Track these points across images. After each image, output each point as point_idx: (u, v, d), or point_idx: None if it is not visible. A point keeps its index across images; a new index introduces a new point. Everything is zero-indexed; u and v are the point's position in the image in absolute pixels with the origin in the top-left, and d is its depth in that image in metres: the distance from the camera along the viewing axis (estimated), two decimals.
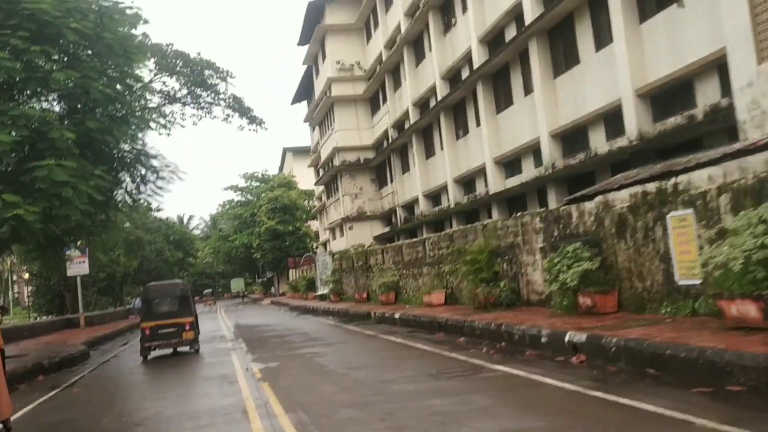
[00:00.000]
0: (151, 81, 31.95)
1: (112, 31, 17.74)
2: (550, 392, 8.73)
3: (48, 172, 14.40)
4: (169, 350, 19.16)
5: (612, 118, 19.65)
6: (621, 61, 17.88)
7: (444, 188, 33.81)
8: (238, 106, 33.68)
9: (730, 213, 10.37)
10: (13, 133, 15.01)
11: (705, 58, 15.18)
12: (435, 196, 36.17)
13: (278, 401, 9.70)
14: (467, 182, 31.64)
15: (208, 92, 34.53)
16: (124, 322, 41.31)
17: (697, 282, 11.36)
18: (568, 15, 21.24)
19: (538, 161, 24.08)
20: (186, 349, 18.96)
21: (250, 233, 76.70)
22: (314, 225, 73.28)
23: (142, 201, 22.29)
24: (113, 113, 18.56)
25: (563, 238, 15.61)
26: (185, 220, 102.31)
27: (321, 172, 57.65)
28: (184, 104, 35.05)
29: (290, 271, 70.50)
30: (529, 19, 22.74)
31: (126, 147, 19.94)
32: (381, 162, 45.70)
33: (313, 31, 49.02)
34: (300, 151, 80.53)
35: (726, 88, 14.93)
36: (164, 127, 33.30)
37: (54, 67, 16.51)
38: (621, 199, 13.35)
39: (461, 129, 31.56)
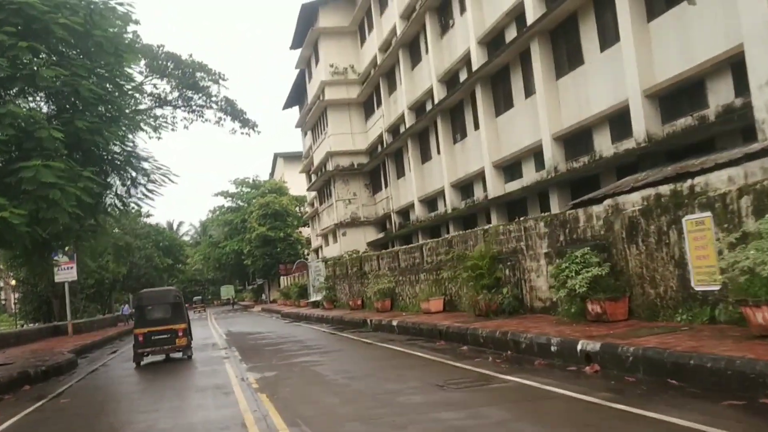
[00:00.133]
0: (142, 83, 31.38)
1: (103, 28, 17.18)
2: (569, 405, 8.23)
3: (35, 173, 13.78)
4: (162, 357, 19.05)
5: (618, 120, 19.18)
6: (628, 61, 17.42)
7: (440, 193, 33.30)
8: (230, 109, 33.21)
9: (752, 216, 9.91)
10: None
11: (718, 57, 14.73)
12: (431, 202, 35.64)
13: (278, 414, 9.13)
14: (465, 187, 31.14)
15: (200, 95, 34.02)
16: (112, 329, 40.58)
17: (716, 288, 10.89)
18: (571, 15, 20.79)
19: (540, 165, 23.60)
20: (179, 355, 18.91)
21: (241, 239, 76.09)
22: (305, 231, 72.76)
23: (132, 205, 21.63)
24: (103, 113, 17.97)
25: (570, 243, 15.15)
26: (175, 227, 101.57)
27: (313, 177, 57.08)
28: (175, 107, 34.52)
29: (281, 278, 69.89)
30: (530, 19, 22.28)
31: (116, 148, 19.32)
32: (375, 167, 45.18)
33: (306, 35, 48.51)
34: (291, 157, 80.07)
35: (740, 88, 14.51)
36: (155, 130, 32.76)
37: (42, 65, 15.92)
38: (632, 202, 12.88)
39: (459, 132, 31.07)
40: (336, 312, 32.70)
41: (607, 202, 13.73)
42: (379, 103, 43.13)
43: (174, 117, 33.90)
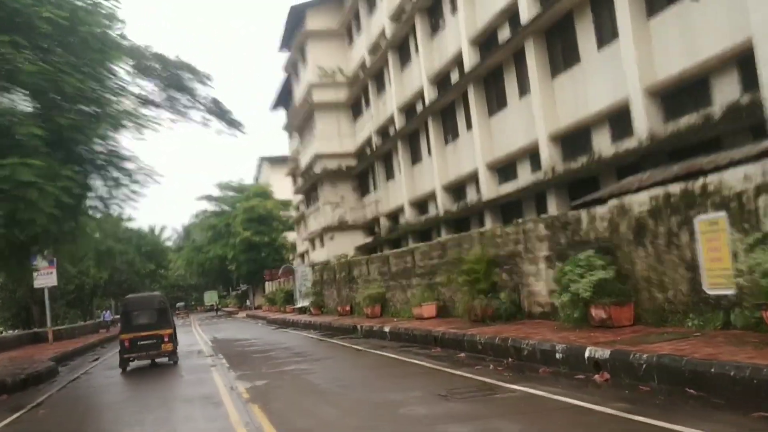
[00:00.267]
0: (128, 84, 30.62)
1: (88, 24, 16.57)
2: (584, 417, 7.68)
3: (11, 171, 13.12)
4: (147, 362, 19.09)
5: (618, 119, 18.72)
6: (628, 58, 16.95)
7: (431, 196, 32.77)
8: (216, 109, 32.44)
9: None
10: None
11: (723, 53, 14.30)
12: (422, 205, 35.11)
13: (273, 428, 8.52)
14: (457, 189, 30.62)
15: (186, 95, 33.25)
16: (94, 336, 39.69)
17: (730, 292, 10.41)
18: (567, 13, 20.36)
19: (536, 166, 23.12)
20: (165, 360, 18.91)
21: (225, 244, 75.22)
22: (291, 236, 72.06)
23: (115, 206, 20.93)
24: (86, 111, 17.32)
25: (572, 245, 14.65)
26: (157, 231, 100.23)
27: (300, 180, 56.43)
28: (160, 108, 33.73)
29: (266, 283, 69.10)
30: (525, 18, 21.83)
31: (99, 147, 18.66)
32: (363, 170, 44.62)
33: (294, 37, 48.01)
34: (277, 161, 79.32)
35: (747, 84, 14.08)
36: (139, 131, 32.01)
37: (24, 59, 15.26)
38: (639, 202, 12.38)
39: (450, 134, 30.57)
40: (324, 318, 32.12)
41: (612, 202, 13.24)
42: (367, 105, 42.64)
43: (159, 119, 33.12)
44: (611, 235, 13.28)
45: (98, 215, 21.54)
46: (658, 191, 11.96)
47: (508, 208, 25.09)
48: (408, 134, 35.43)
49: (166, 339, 18.51)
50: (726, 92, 14.75)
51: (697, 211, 10.92)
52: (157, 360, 19.10)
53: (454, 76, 29.02)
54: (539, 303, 16.16)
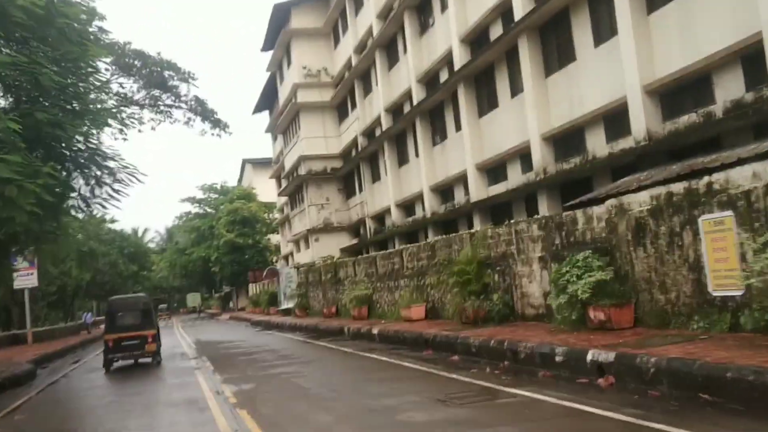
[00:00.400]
0: (108, 81, 30.07)
1: (66, 16, 16.03)
2: (596, 424, 7.30)
3: None
4: (131, 362, 19.29)
5: (613, 118, 18.39)
6: (627, 56, 16.61)
7: (419, 197, 32.37)
8: (200, 109, 31.98)
9: None
10: None
11: (727, 50, 13.99)
12: (408, 206, 34.70)
13: None
14: (445, 190, 30.24)
15: (168, 94, 32.75)
16: (75, 337, 38.88)
17: (738, 293, 10.05)
18: (562, 9, 20.01)
19: (526, 167, 22.77)
20: (148, 360, 19.06)
21: (208, 246, 74.82)
22: (274, 239, 71.66)
23: (97, 206, 20.38)
24: (66, 106, 16.79)
25: (567, 246, 14.29)
26: (140, 233, 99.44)
27: (284, 182, 55.90)
28: (142, 107, 33.20)
29: (250, 285, 68.62)
30: (518, 15, 21.46)
31: (80, 145, 18.14)
32: (349, 171, 44.17)
33: (278, 36, 47.42)
34: (260, 163, 79.10)
35: (752, 81, 13.79)
36: (121, 131, 31.48)
37: None
38: (639, 201, 12.02)
39: (439, 134, 30.18)
40: (309, 320, 31.70)
41: (611, 202, 12.87)
42: (353, 106, 42.19)
43: (141, 117, 32.52)
44: (609, 235, 12.93)
45: (80, 215, 21.06)
46: (660, 190, 11.60)
47: (497, 210, 24.72)
48: (395, 135, 35.02)
49: (149, 339, 18.78)
50: (729, 90, 14.43)
51: (702, 210, 10.56)
52: (141, 360, 19.23)
53: (444, 76, 28.63)
54: (533, 305, 15.80)
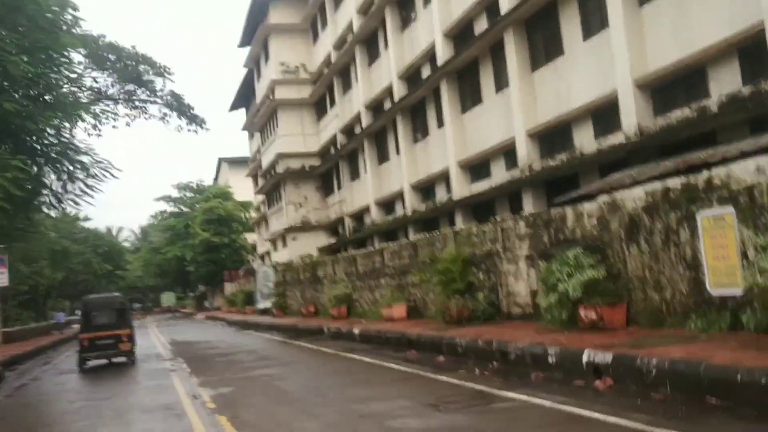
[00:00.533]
0: (81, 75, 29.27)
1: (36, 3, 15.38)
2: (604, 431, 6.82)
3: None
4: (104, 361, 19.34)
5: (602, 114, 18.02)
6: (618, 49, 16.20)
7: (399, 195, 31.90)
8: (176, 104, 31.17)
9: None
10: None
11: (723, 42, 13.62)
12: (388, 204, 34.22)
13: None
14: (426, 188, 29.78)
15: (143, 89, 31.92)
16: (47, 338, 37.88)
17: (738, 292, 9.70)
18: (550, 2, 19.58)
19: (511, 164, 22.38)
20: (122, 360, 19.27)
21: (184, 245, 74.17)
22: (251, 238, 71.06)
23: (69, 202, 19.73)
24: (37, 97, 16.13)
25: (555, 244, 13.94)
26: (114, 232, 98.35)
27: (261, 181, 55.19)
28: (117, 102, 32.34)
29: (226, 284, 67.91)
30: (504, 8, 21.02)
31: (52, 139, 17.49)
32: (327, 169, 43.60)
33: (255, 32, 46.72)
34: (236, 162, 78.50)
35: (749, 75, 13.46)
36: (95, 126, 30.69)
37: None
38: (634, 197, 11.66)
39: (420, 131, 29.71)
40: (287, 319, 31.22)
41: (603, 198, 12.51)
42: (332, 103, 41.63)
43: (116, 113, 31.66)
44: (601, 232, 12.57)
45: (52, 212, 20.45)
46: (656, 186, 11.24)
47: (480, 208, 24.31)
48: (375, 132, 34.51)
49: (124, 339, 18.88)
50: (725, 84, 14.08)
51: (701, 206, 10.21)
52: (115, 359, 19.35)
53: (426, 71, 28.15)
54: (519, 304, 15.44)
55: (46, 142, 17.39)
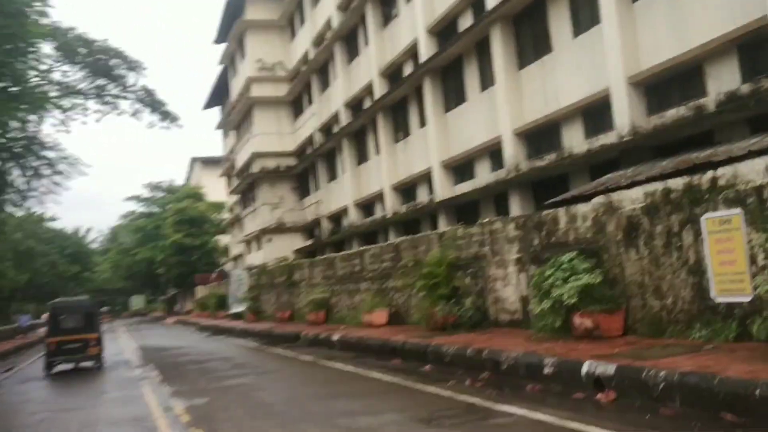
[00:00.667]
0: (50, 69, 28.27)
1: None
2: None
3: None
4: (70, 366, 19.31)
5: (593, 113, 17.49)
6: (611, 45, 15.68)
7: (379, 196, 31.23)
8: (149, 100, 30.25)
9: None
10: None
11: (722, 38, 13.15)
12: (367, 206, 33.53)
13: None
14: (407, 189, 29.14)
15: (115, 84, 30.95)
16: (9, 343, 36.62)
17: (746, 299, 9.19)
18: None
19: (496, 164, 21.82)
20: (90, 364, 19.22)
21: (154, 247, 72.84)
22: (223, 240, 70.00)
23: (34, 200, 18.88)
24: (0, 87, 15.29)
25: (547, 247, 13.38)
26: (82, 233, 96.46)
27: (235, 181, 54.22)
28: (87, 97, 31.33)
29: (197, 288, 66.72)
30: (491, 4, 20.44)
31: (16, 132, 16.60)
32: (304, 169, 42.83)
33: (231, 28, 45.83)
34: (209, 162, 77.44)
35: (748, 72, 13.00)
36: (63, 122, 29.70)
37: None
38: (632, 199, 11.13)
39: (402, 131, 29.07)
40: (262, 325, 30.34)
41: (598, 199, 11.96)
42: (310, 102, 40.90)
43: (86, 109, 30.65)
44: (596, 235, 12.03)
45: (16, 211, 19.54)
46: (656, 186, 10.71)
47: (464, 210, 23.72)
48: (354, 132, 33.82)
49: (92, 343, 18.94)
50: (723, 81, 13.62)
51: (705, 208, 9.70)
52: (82, 364, 19.31)
53: (408, 69, 27.50)
54: (507, 310, 14.85)
55: (9, 136, 16.49)
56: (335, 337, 18.90)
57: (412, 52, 27.09)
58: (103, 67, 30.50)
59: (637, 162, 14.44)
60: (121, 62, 29.97)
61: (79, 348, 18.83)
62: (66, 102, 26.89)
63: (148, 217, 77.42)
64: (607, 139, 16.42)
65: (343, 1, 33.43)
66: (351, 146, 34.31)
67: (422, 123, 26.43)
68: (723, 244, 9.52)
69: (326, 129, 38.64)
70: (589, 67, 16.94)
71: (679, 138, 14.03)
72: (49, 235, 67.43)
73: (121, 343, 32.14)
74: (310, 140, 41.15)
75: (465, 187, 23.56)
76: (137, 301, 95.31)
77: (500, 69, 20.22)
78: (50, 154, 17.47)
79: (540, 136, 19.72)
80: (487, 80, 21.99)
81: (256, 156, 44.52)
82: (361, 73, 32.31)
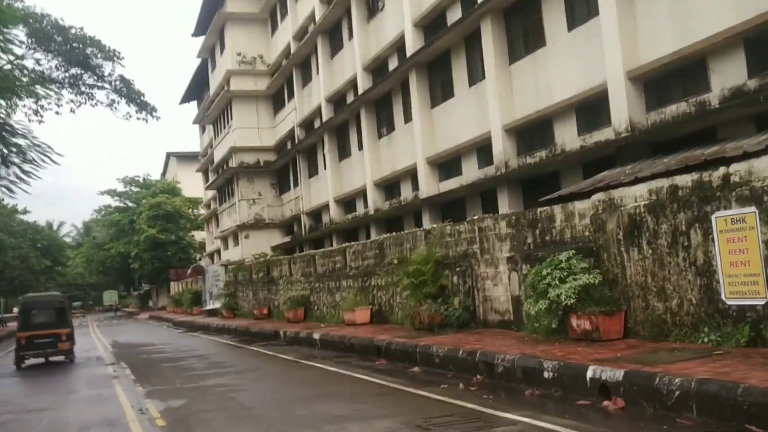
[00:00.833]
0: (22, 56, 27.29)
1: None
2: None
3: None
4: (41, 361, 19.35)
5: (588, 108, 16.95)
6: (609, 39, 15.10)
7: (361, 193, 30.55)
8: (125, 90, 29.36)
9: None
10: None
11: (729, 31, 12.66)
12: (349, 202, 32.83)
13: None
14: (390, 186, 28.47)
15: (90, 73, 30.03)
16: None
17: (760, 302, 8.73)
18: None
19: (484, 161, 21.25)
20: (61, 358, 19.31)
21: (128, 242, 71.68)
22: (199, 235, 69.01)
23: (3, 189, 18.01)
24: None
25: (541, 246, 12.90)
26: (55, 226, 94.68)
27: (212, 176, 53.25)
28: (61, 86, 30.38)
29: (171, 283, 65.70)
30: None
31: None
32: (284, 165, 42.01)
33: (211, 20, 44.86)
34: (185, 157, 76.53)
35: (755, 67, 12.54)
36: (36, 112, 28.74)
37: None
38: (635, 196, 10.63)
39: (385, 126, 28.40)
40: (238, 321, 29.71)
41: (597, 196, 11.45)
42: (290, 96, 40.08)
43: (60, 99, 29.66)
44: (595, 234, 11.54)
45: None
46: (662, 183, 10.22)
47: (450, 207, 23.14)
48: (336, 127, 33.10)
49: (63, 338, 19.02)
50: (728, 77, 13.11)
51: (716, 206, 9.21)
52: (52, 358, 19.33)
53: (393, 63, 26.82)
54: (497, 310, 14.33)
55: None
56: (316, 335, 18.36)
57: (398, 45, 26.41)
58: (79, 56, 29.61)
59: (634, 159, 13.97)
60: (98, 51, 29.09)
61: (50, 343, 18.91)
62: (39, 90, 26.00)
63: (123, 212, 76.14)
64: (603, 135, 15.92)
65: None
66: (333, 142, 33.60)
67: (407, 118, 25.80)
68: (735, 244, 9.06)
69: (307, 124, 37.86)
70: (585, 61, 16.40)
71: (679, 135, 13.56)
72: (20, 227, 65.93)
73: (93, 338, 31.32)
74: (290, 135, 40.36)
75: (451, 183, 22.99)
76: (109, 296, 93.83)
77: (491, 63, 19.62)
78: (21, 141, 16.61)
79: (531, 132, 19.18)
80: (476, 75, 21.40)
81: (235, 150, 43.64)
82: (345, 67, 31.56)
